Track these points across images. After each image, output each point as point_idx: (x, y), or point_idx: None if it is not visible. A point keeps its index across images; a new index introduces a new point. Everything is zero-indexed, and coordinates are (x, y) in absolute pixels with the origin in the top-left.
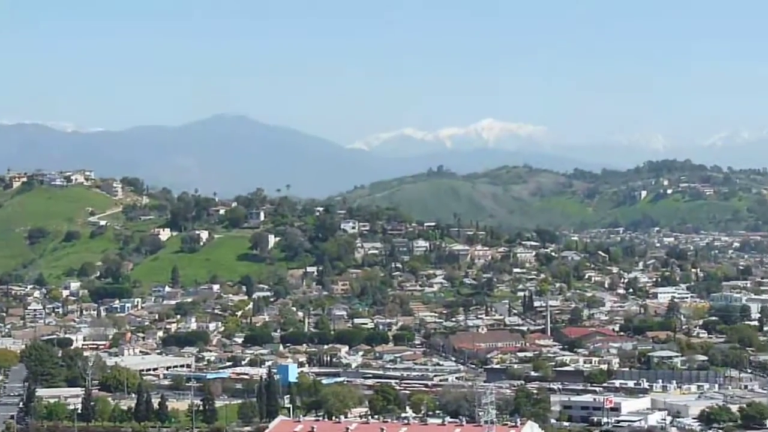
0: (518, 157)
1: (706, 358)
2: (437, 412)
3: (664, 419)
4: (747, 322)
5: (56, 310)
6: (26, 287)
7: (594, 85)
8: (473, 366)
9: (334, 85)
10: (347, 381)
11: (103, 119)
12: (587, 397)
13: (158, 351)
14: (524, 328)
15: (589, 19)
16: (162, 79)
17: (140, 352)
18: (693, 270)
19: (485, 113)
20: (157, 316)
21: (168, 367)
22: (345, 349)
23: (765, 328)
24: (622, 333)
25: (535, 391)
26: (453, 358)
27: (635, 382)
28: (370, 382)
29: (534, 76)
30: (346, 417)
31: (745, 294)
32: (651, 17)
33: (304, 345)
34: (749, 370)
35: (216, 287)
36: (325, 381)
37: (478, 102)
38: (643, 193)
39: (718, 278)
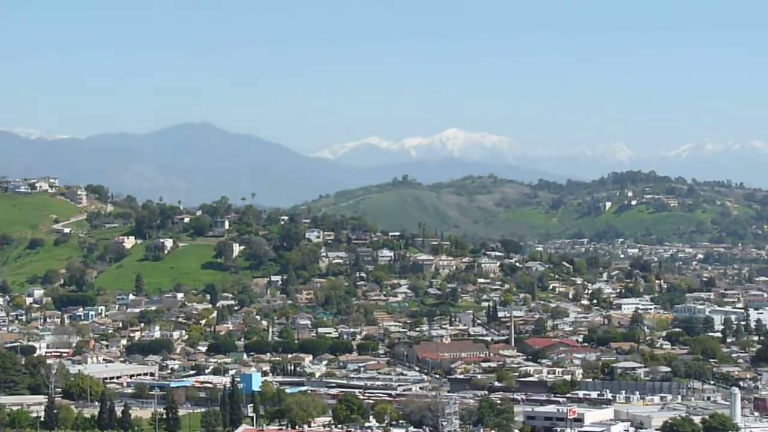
0: (483, 167)
1: (669, 369)
2: (401, 421)
3: (627, 430)
4: (710, 334)
5: (20, 317)
6: None
7: (558, 96)
8: (437, 376)
9: (299, 94)
10: (311, 390)
11: (68, 126)
12: (550, 408)
13: (122, 359)
14: (488, 339)
15: (553, 30)
16: (127, 86)
17: (104, 360)
18: (657, 281)
19: (449, 123)
20: (120, 324)
21: (131, 375)
22: (309, 358)
23: (728, 340)
24: (585, 344)
25: (498, 402)
26: (417, 368)
27: (598, 392)
28: (333, 391)
29: (497, 86)
30: (309, 426)
31: (709, 306)
32: (615, 29)
33: (268, 354)
34: (712, 382)
35: (180, 295)
36: (288, 390)
37: (442, 111)
38: (608, 204)
39: (681, 290)
